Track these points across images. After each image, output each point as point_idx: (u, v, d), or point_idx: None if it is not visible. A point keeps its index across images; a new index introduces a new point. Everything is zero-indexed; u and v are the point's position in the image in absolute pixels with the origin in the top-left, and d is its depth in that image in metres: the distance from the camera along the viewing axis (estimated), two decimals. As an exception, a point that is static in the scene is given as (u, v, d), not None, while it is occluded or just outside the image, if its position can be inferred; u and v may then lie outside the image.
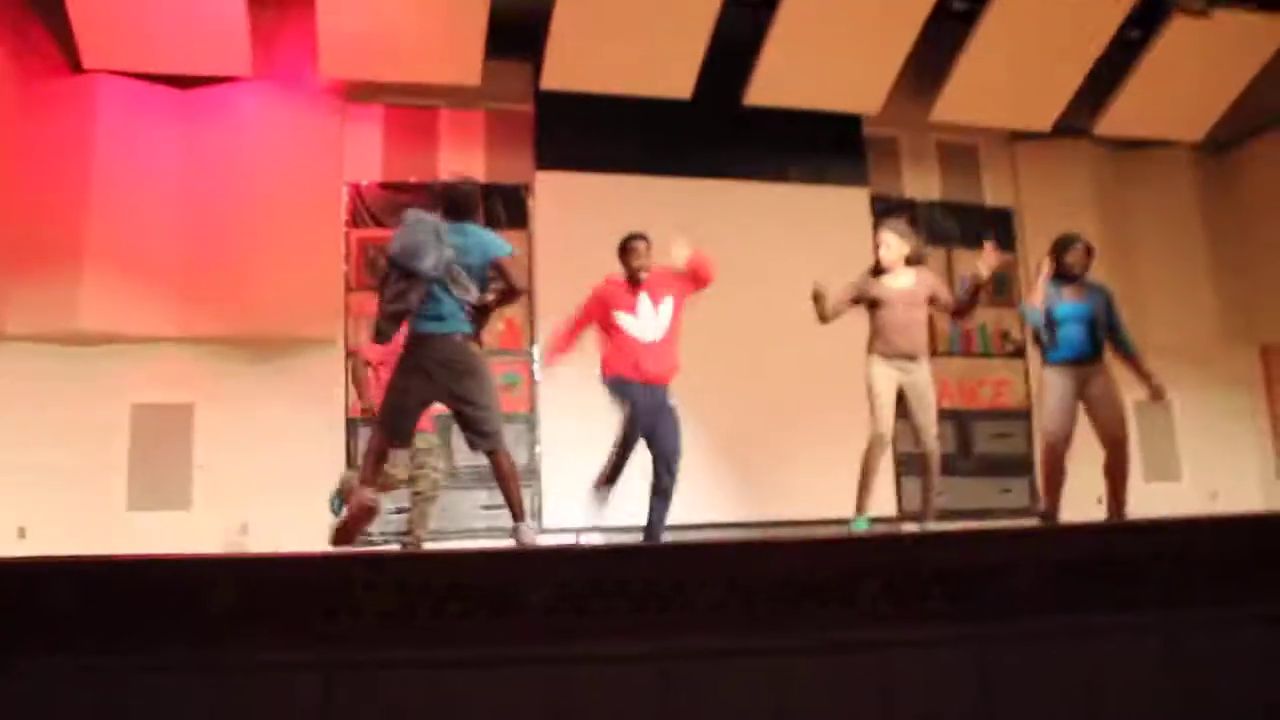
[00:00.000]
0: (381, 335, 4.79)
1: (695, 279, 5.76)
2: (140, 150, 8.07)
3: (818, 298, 5.86)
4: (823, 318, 5.91)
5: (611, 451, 5.69)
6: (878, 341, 5.84)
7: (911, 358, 5.81)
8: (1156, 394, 5.85)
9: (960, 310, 6.10)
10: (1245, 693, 2.73)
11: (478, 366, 4.73)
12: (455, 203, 5.05)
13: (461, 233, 4.85)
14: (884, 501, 8.84)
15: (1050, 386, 5.79)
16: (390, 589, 2.51)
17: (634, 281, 5.72)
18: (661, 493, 5.65)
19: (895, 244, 5.93)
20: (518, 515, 4.67)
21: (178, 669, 2.42)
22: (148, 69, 8.08)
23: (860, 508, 5.73)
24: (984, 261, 5.84)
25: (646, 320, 5.66)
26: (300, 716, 2.40)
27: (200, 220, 8.08)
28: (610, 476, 5.72)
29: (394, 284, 4.68)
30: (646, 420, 5.58)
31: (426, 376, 4.66)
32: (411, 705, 2.45)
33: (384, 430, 4.78)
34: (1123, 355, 5.90)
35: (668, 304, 5.72)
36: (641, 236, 5.79)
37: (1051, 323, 5.81)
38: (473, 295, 4.73)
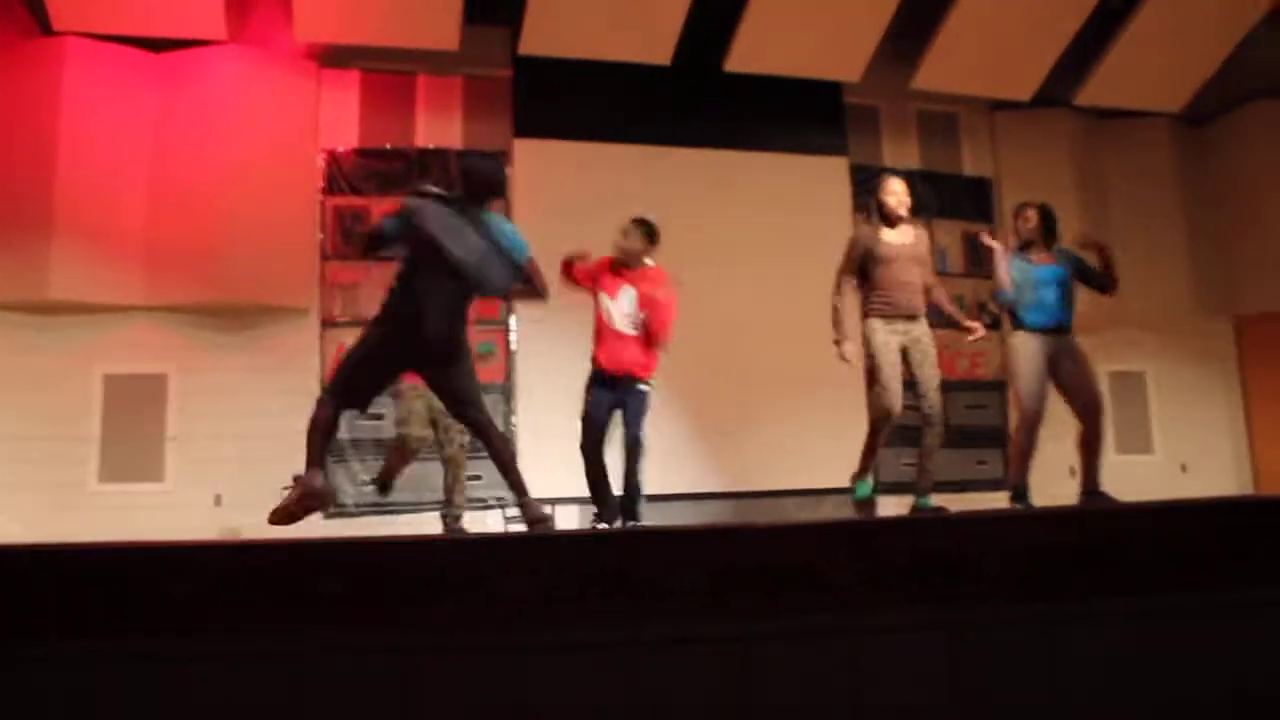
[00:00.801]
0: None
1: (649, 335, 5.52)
2: (111, 114, 7.95)
3: (838, 341, 5.63)
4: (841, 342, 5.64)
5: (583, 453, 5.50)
6: (878, 301, 5.53)
7: (913, 317, 5.56)
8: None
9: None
10: (1217, 678, 2.75)
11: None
12: (478, 183, 4.54)
13: (484, 223, 4.37)
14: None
15: (1022, 354, 5.62)
16: (353, 575, 2.50)
17: (619, 266, 5.54)
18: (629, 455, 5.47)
19: (903, 191, 5.66)
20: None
21: (138, 659, 2.39)
22: (119, 31, 7.94)
23: (864, 470, 5.64)
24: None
25: (623, 308, 5.48)
26: (267, 705, 2.39)
27: (172, 186, 7.98)
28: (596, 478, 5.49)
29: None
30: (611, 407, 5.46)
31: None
32: (378, 693, 2.44)
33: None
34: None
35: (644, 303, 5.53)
36: (642, 221, 5.56)
37: (1028, 285, 5.72)
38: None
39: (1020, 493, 5.68)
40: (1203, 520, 2.92)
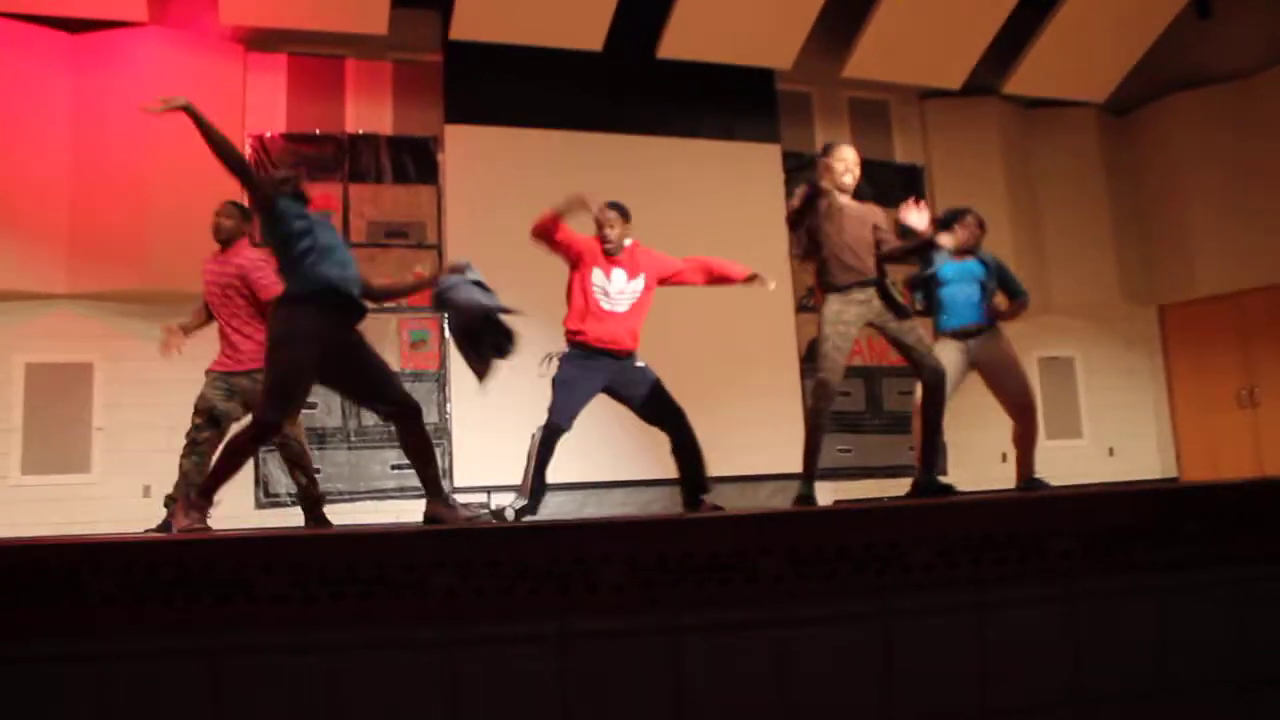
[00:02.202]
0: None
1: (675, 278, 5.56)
2: (28, 97, 7.70)
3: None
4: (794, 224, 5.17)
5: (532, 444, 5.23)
6: (837, 271, 4.99)
7: (866, 283, 5.01)
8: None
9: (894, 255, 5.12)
10: (1147, 665, 2.81)
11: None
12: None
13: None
14: (794, 458, 8.95)
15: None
16: (285, 571, 2.45)
17: (606, 254, 5.39)
18: (680, 450, 5.31)
19: (853, 161, 5.16)
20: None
21: (52, 660, 2.33)
22: (34, 10, 7.68)
23: (810, 473, 4.97)
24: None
25: (617, 286, 5.35)
26: (189, 706, 2.34)
27: (94, 172, 7.77)
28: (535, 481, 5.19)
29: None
30: (620, 390, 5.33)
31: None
32: (306, 692, 2.40)
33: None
34: (1015, 303, 5.87)
35: (640, 280, 5.41)
36: (615, 205, 5.43)
37: (934, 282, 5.73)
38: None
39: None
40: (1129, 504, 2.97)
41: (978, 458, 8.65)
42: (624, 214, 5.44)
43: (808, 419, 5.16)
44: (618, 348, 5.30)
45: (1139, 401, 10.53)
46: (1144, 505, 3.02)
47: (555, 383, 5.25)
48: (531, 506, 5.17)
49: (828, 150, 5.23)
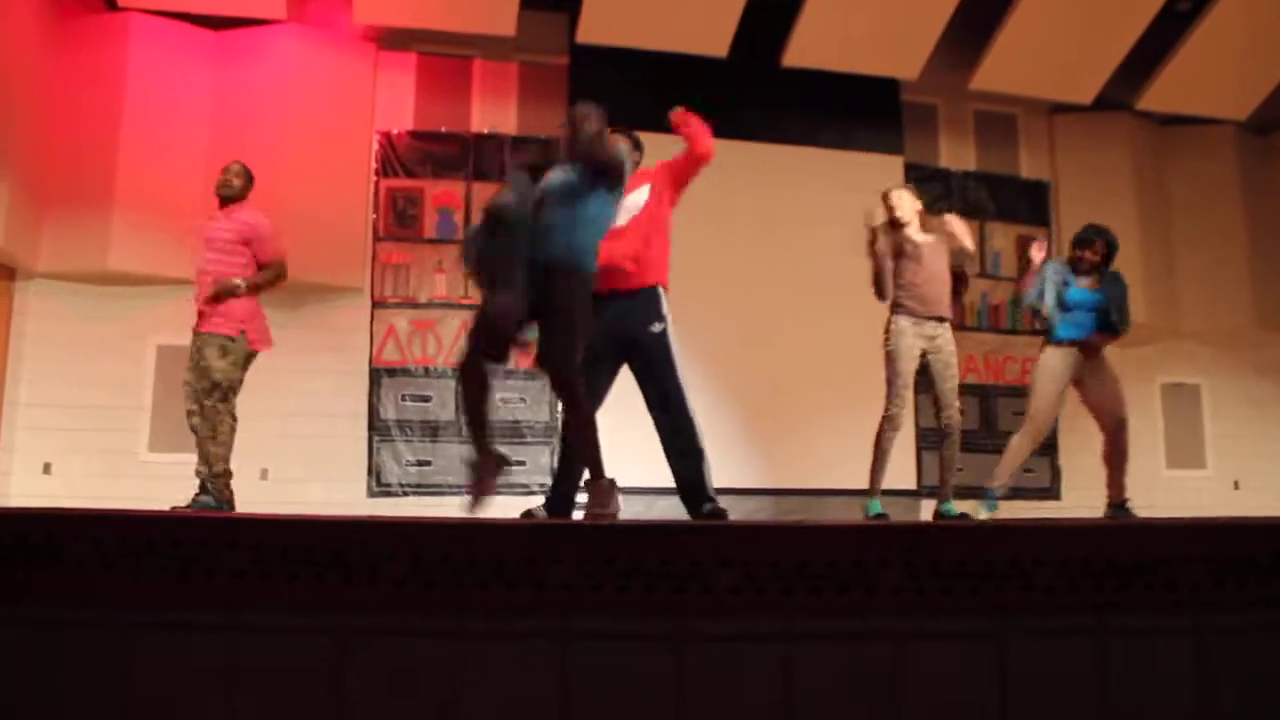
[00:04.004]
0: None
1: (687, 156, 4.90)
2: (172, 91, 8.06)
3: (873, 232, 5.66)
4: (876, 255, 5.63)
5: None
6: (907, 299, 5.58)
7: (941, 319, 5.61)
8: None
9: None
10: (1269, 698, 2.70)
11: None
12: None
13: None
14: (903, 474, 8.84)
15: (1046, 367, 5.76)
16: (406, 558, 2.51)
17: None
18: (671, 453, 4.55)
19: (908, 200, 5.74)
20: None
21: (184, 628, 2.43)
22: (181, 8, 8.06)
23: (874, 489, 5.52)
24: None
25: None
26: (310, 681, 2.41)
27: (229, 162, 8.05)
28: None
29: None
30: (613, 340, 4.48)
31: None
32: (423, 675, 2.45)
33: None
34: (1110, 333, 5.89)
35: (640, 193, 4.76)
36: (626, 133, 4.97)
37: (1061, 307, 5.81)
38: None
39: (992, 493, 5.86)
40: (1264, 537, 2.86)
41: (1093, 480, 8.42)
42: (637, 143, 5.08)
43: (876, 442, 5.57)
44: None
45: (1269, 434, 10.09)
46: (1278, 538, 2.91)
47: None
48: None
49: (885, 197, 5.78)
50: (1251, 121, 9.93)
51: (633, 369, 4.57)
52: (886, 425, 5.52)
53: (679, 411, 4.48)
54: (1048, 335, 5.88)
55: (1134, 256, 9.06)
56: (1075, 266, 5.86)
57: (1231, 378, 10.11)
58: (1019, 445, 5.81)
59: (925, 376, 5.63)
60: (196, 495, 5.50)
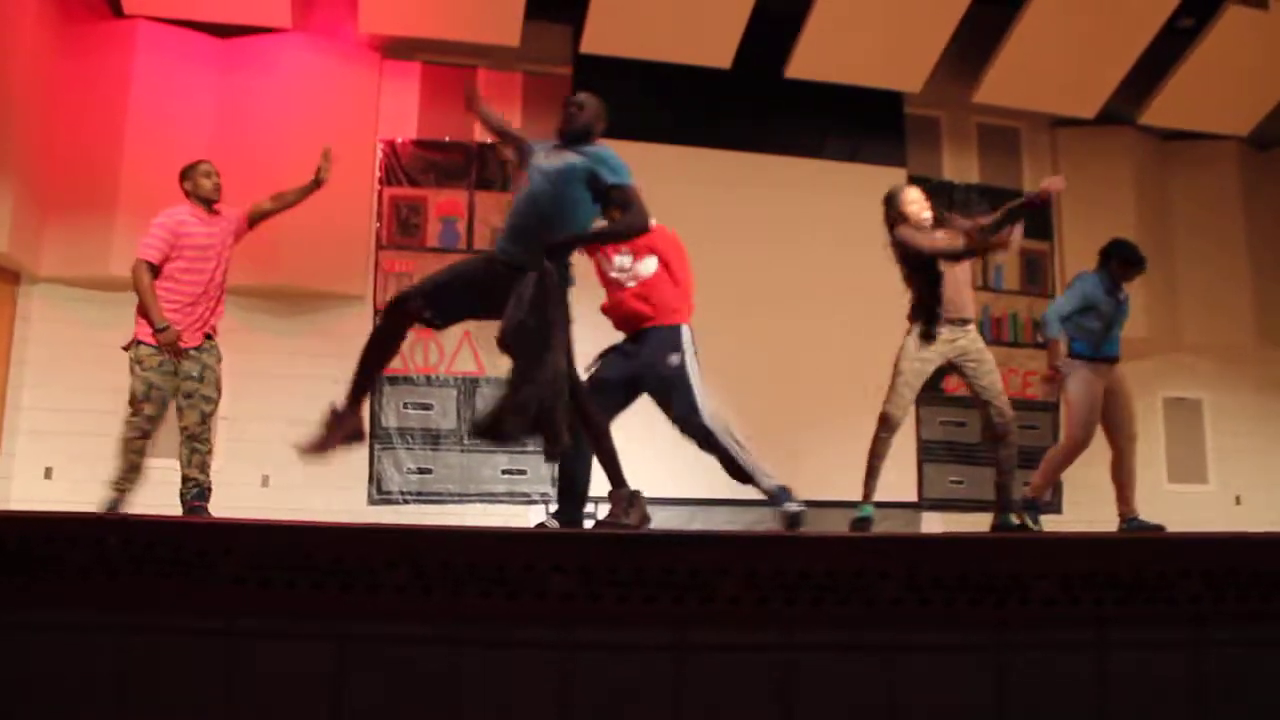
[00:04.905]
0: None
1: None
2: (176, 98, 8.08)
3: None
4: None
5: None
6: (936, 304, 5.26)
7: (966, 321, 5.33)
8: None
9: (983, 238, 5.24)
10: (1273, 716, 2.70)
11: None
12: None
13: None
14: (904, 487, 8.84)
15: (1086, 382, 5.71)
16: (409, 565, 2.51)
17: None
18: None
19: (921, 198, 5.40)
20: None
21: (183, 632, 2.43)
22: (187, 16, 8.09)
23: (867, 495, 5.30)
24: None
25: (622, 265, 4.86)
26: (312, 687, 2.41)
27: (233, 170, 8.03)
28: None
29: None
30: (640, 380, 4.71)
31: None
32: (424, 682, 2.45)
33: None
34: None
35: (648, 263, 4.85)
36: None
37: (1111, 319, 5.80)
38: None
39: (1034, 505, 5.77)
40: (1266, 551, 2.86)
41: (1094, 494, 8.42)
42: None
43: (871, 444, 5.35)
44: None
45: (1271, 449, 10.08)
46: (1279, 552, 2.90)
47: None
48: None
49: (893, 198, 5.42)
50: (1254, 137, 9.97)
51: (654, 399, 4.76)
52: (881, 425, 5.28)
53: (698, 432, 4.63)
54: (1072, 348, 5.74)
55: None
56: (1116, 280, 5.81)
57: (1233, 392, 10.11)
58: (1059, 462, 5.80)
59: (935, 386, 5.49)
60: (196, 503, 5.48)
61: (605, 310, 4.90)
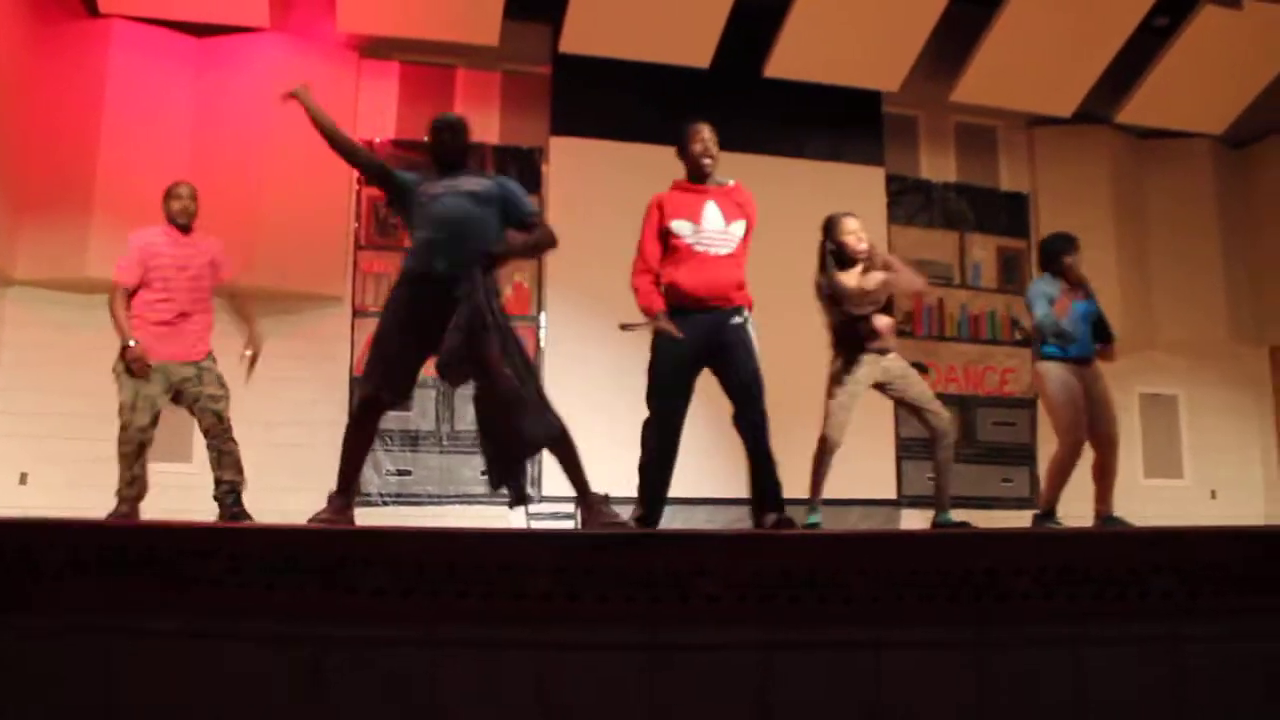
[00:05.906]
0: None
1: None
2: (153, 97, 8.02)
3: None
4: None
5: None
6: (852, 335, 5.58)
7: (885, 353, 5.56)
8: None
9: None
10: (1249, 709, 2.72)
11: None
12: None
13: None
14: (883, 483, 8.87)
15: (1059, 383, 5.66)
16: (384, 566, 2.51)
17: (697, 178, 4.85)
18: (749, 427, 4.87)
19: (859, 229, 5.66)
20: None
21: (173, 635, 2.42)
22: (163, 15, 8.02)
23: (814, 500, 5.47)
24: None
25: (713, 229, 4.79)
26: (288, 690, 2.40)
27: (210, 170, 8.01)
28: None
29: None
30: (703, 349, 4.78)
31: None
32: (401, 681, 2.45)
33: None
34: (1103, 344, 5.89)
35: (738, 225, 4.88)
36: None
37: (1072, 318, 5.73)
38: None
39: (1050, 515, 5.75)
40: (1237, 544, 2.88)
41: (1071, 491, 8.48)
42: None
43: (814, 460, 5.55)
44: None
45: (1245, 444, 10.17)
46: (1253, 547, 2.93)
47: None
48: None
49: (832, 226, 5.77)
50: (1228, 135, 10.04)
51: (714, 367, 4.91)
52: (821, 447, 5.50)
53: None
54: (1042, 351, 5.76)
55: (1112, 268, 9.15)
56: (1065, 277, 5.77)
57: (1208, 388, 10.19)
58: (1061, 468, 5.74)
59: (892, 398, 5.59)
60: (235, 508, 5.67)
61: (678, 283, 4.75)
